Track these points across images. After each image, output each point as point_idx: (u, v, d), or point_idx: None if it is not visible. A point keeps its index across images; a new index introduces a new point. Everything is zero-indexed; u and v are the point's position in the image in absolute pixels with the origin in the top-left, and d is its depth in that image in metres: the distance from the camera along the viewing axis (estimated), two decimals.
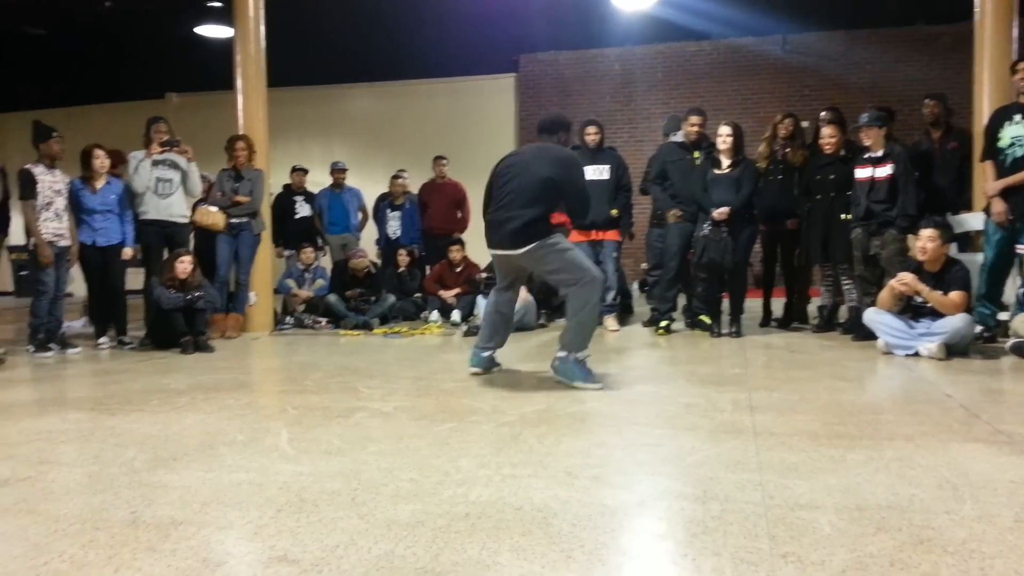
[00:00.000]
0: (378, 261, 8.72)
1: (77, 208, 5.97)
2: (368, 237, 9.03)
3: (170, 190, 6.33)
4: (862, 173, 5.64)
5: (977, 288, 5.29)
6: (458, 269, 7.84)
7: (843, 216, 5.79)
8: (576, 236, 6.78)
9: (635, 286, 11.24)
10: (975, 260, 5.46)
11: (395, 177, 8.85)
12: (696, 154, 6.35)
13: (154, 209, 6.27)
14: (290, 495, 2.25)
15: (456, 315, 7.47)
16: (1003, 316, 5.44)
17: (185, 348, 5.66)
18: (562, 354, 4.06)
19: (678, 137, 6.80)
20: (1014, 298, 5.35)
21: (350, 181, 8.98)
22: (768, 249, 6.55)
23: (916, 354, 4.81)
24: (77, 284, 6.53)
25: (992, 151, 5.31)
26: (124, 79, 12.87)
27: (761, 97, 11.93)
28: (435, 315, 7.58)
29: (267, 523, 2.02)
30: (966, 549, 1.78)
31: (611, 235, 6.75)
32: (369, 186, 9.52)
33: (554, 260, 4.10)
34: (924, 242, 4.95)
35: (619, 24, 11.49)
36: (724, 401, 3.52)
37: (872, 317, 5.12)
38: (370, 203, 9.04)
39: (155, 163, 6.26)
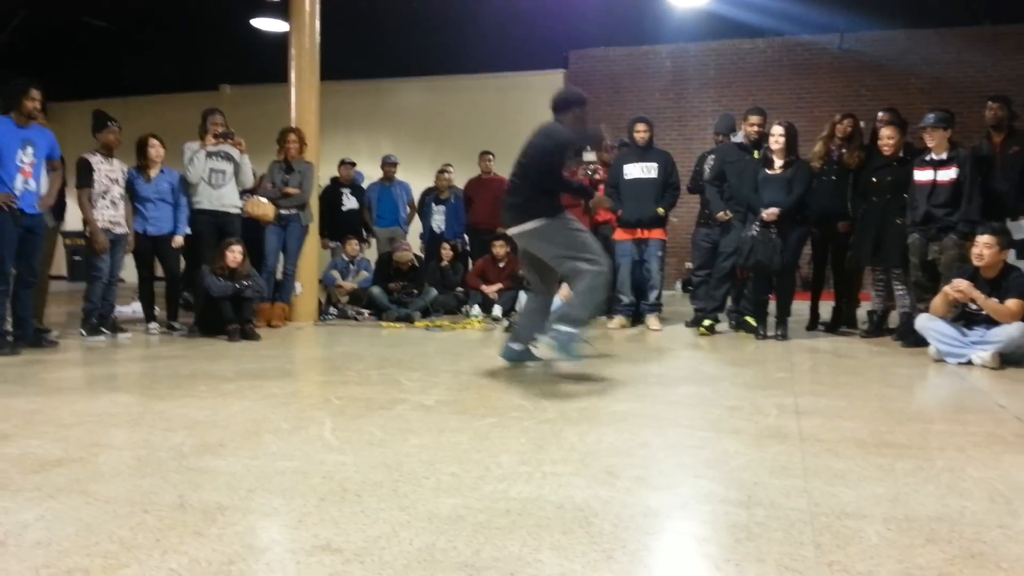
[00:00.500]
0: (421, 254, 8.77)
1: (132, 196, 6.12)
2: (413, 230, 9.09)
3: (223, 181, 6.45)
4: (922, 176, 5.49)
5: None
6: (501, 264, 7.84)
7: (898, 220, 5.65)
8: (621, 234, 6.78)
9: (678, 285, 11.16)
10: None
11: (441, 171, 8.88)
12: (756, 155, 6.25)
13: (207, 199, 6.39)
14: (333, 485, 2.27)
15: (497, 310, 7.48)
16: None
17: (232, 336, 5.76)
18: (567, 328, 4.04)
19: (738, 137, 6.70)
20: None
21: (396, 175, 9.04)
22: (818, 251, 6.42)
23: (969, 363, 4.68)
24: (128, 270, 6.68)
25: None
26: (180, 71, 13.13)
27: (816, 96, 11.68)
28: (476, 310, 7.60)
29: (310, 511, 2.04)
30: (1021, 565, 1.73)
31: (657, 234, 6.70)
32: (415, 180, 9.56)
33: (557, 237, 4.15)
34: (981, 248, 4.81)
35: (672, 20, 11.36)
36: (769, 405, 3.47)
37: (924, 324, 4.99)
38: (416, 197, 9.09)
39: (209, 154, 6.38)
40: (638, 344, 5.94)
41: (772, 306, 6.05)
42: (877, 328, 6.09)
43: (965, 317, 4.90)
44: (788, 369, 4.61)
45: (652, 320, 6.68)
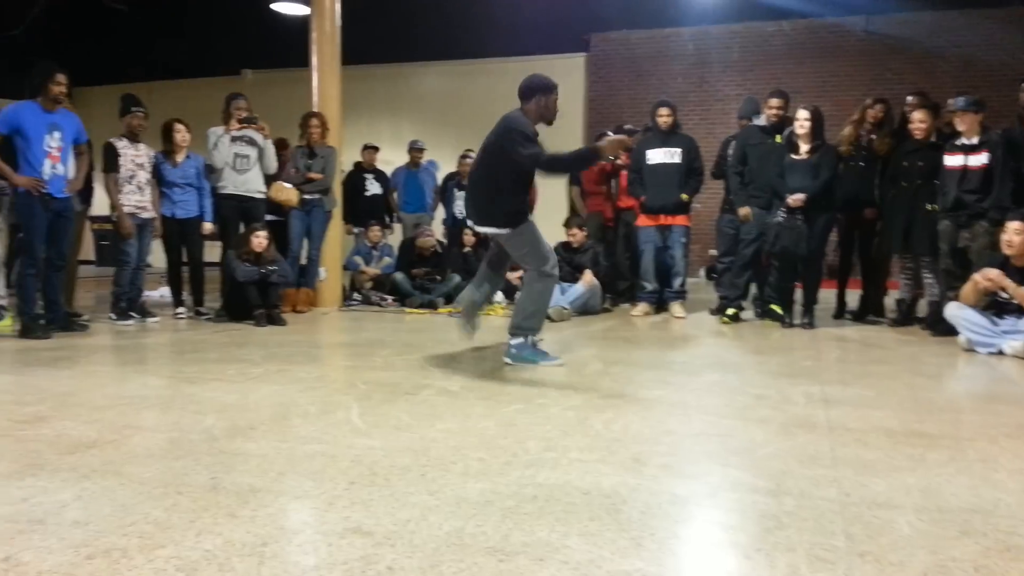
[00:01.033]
0: (444, 240, 8.77)
1: (160, 181, 6.16)
2: (435, 216, 9.09)
3: (247, 166, 6.47)
4: (952, 161, 5.40)
5: None
6: None
7: (929, 206, 5.56)
8: (644, 220, 6.73)
9: (702, 273, 11.09)
10: None
11: (463, 157, 8.85)
12: (778, 138, 6.17)
13: (232, 184, 6.42)
14: (362, 468, 2.29)
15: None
16: None
17: (258, 320, 5.81)
18: (518, 340, 4.12)
19: (760, 120, 6.62)
20: None
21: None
22: (845, 238, 6.34)
23: (1000, 352, 4.62)
24: (156, 255, 6.74)
25: None
26: (202, 55, 13.18)
27: (841, 80, 11.52)
28: (499, 296, 7.58)
29: (340, 494, 2.06)
30: None
31: (680, 220, 6.64)
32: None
33: (524, 248, 4.16)
34: (1011, 235, 4.73)
35: (694, 2, 11.24)
36: (796, 394, 3.44)
37: (954, 312, 4.93)
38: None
39: (233, 139, 6.41)
40: (662, 331, 5.92)
41: (798, 294, 6.00)
42: (905, 317, 6.02)
43: (996, 306, 4.82)
44: (815, 357, 4.58)
45: (676, 307, 6.64)
